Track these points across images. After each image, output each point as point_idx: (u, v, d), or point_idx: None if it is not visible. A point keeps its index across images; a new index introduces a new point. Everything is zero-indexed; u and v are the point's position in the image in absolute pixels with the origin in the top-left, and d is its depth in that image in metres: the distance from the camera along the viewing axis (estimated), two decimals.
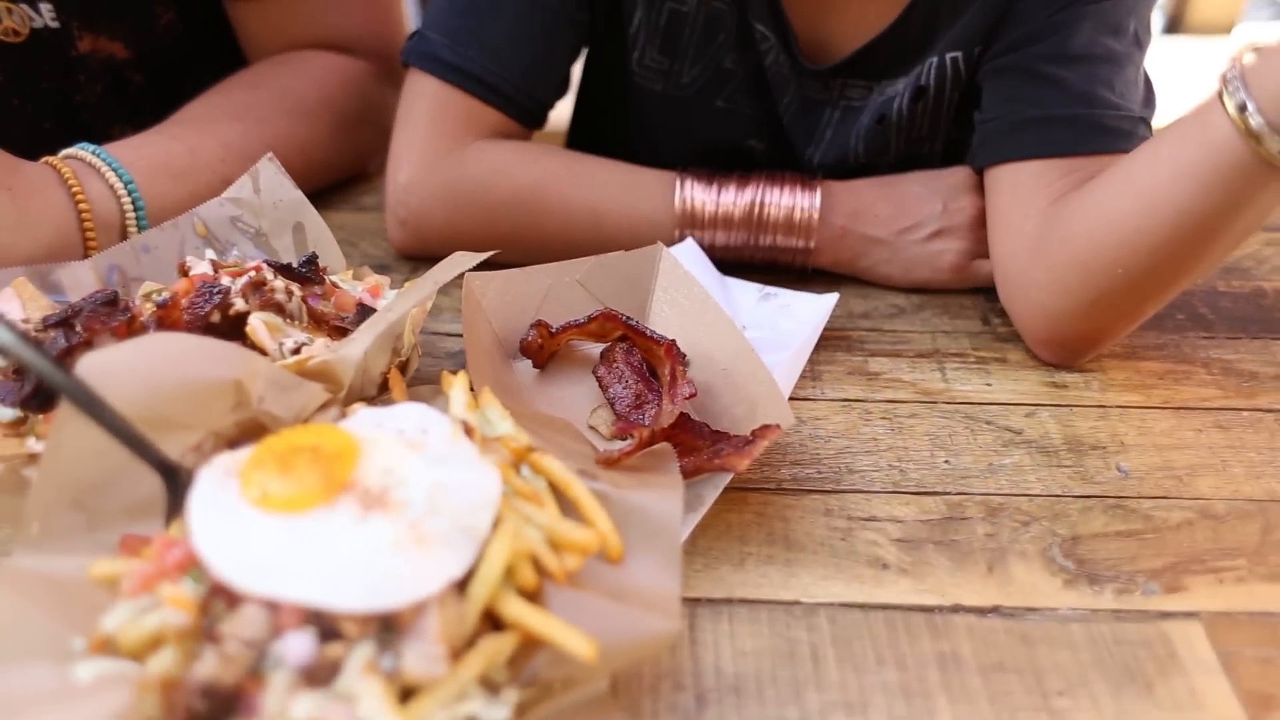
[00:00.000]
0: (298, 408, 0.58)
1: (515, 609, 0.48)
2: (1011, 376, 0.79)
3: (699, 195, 0.88)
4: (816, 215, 0.87)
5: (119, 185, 0.79)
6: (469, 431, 0.55)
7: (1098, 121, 0.80)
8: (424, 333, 0.82)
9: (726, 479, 0.64)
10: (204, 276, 0.65)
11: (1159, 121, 0.76)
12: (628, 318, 0.72)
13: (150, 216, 0.80)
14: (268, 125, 0.93)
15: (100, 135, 0.83)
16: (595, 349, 0.75)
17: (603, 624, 0.48)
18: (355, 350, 0.61)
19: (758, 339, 0.73)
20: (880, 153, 0.95)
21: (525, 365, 0.74)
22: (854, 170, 0.93)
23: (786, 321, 0.82)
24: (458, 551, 0.47)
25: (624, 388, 0.71)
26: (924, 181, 0.90)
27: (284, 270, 0.67)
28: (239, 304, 0.64)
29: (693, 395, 0.65)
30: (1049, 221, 0.78)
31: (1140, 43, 0.84)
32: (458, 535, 0.48)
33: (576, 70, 1.00)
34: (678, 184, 0.88)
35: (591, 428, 0.70)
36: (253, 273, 0.66)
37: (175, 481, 0.53)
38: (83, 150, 0.80)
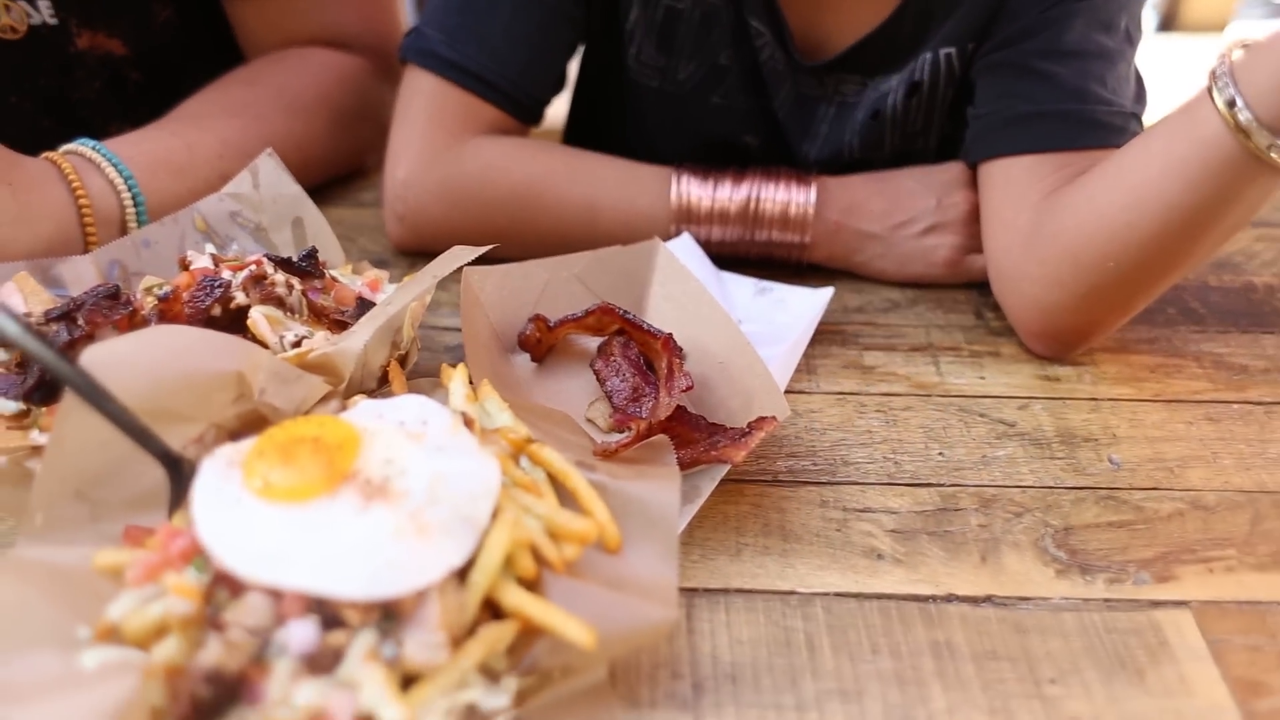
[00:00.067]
0: (299, 400, 0.59)
1: (515, 597, 0.48)
2: (1005, 370, 0.80)
3: (695, 191, 0.88)
4: (812, 210, 0.88)
5: (119, 181, 0.79)
6: (468, 423, 0.55)
7: (1090, 117, 0.81)
8: (422, 327, 0.82)
9: (723, 471, 0.65)
10: (205, 270, 0.66)
11: (1151, 117, 0.76)
12: (625, 312, 0.72)
13: (150, 212, 0.81)
14: (266, 121, 0.93)
15: (98, 132, 0.84)
16: (593, 343, 0.75)
17: (601, 612, 0.48)
18: (355, 343, 0.62)
19: (753, 333, 0.74)
20: (875, 148, 0.96)
21: (523, 359, 0.75)
22: (849, 165, 0.94)
23: (782, 315, 0.83)
24: (458, 540, 0.48)
25: (621, 381, 0.71)
26: (918, 177, 0.91)
27: (284, 264, 0.68)
28: (240, 297, 0.64)
29: (689, 388, 0.66)
30: (1042, 216, 0.79)
31: (1131, 39, 0.85)
32: (458, 525, 0.48)
33: (573, 67, 1.01)
34: (674, 179, 0.89)
35: (589, 420, 0.71)
36: (253, 267, 0.66)
37: (178, 472, 0.53)
38: (83, 146, 0.80)
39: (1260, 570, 0.61)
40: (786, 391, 0.76)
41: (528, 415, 0.61)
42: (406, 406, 0.55)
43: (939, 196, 0.89)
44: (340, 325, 0.67)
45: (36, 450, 0.58)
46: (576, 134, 1.16)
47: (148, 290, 0.67)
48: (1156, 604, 0.59)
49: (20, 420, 0.61)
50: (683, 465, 0.61)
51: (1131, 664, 0.55)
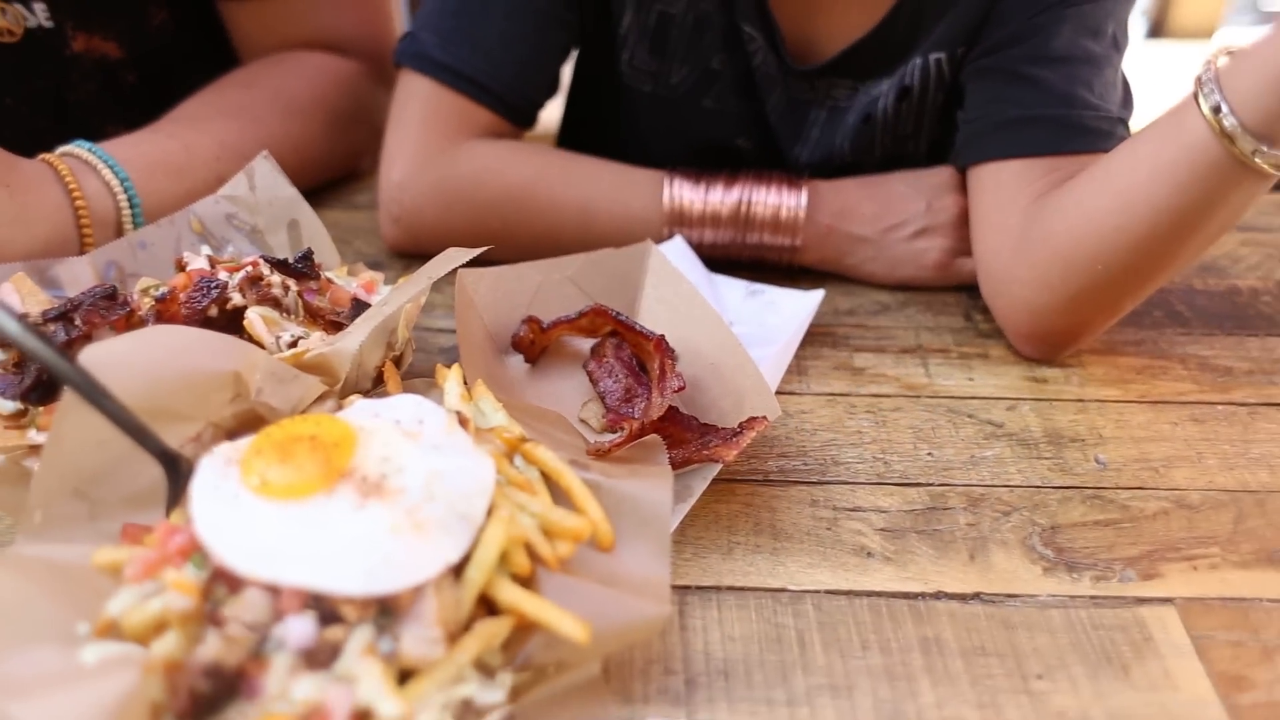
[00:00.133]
0: (295, 399, 0.59)
1: (510, 594, 0.49)
2: (993, 371, 0.81)
3: (687, 194, 0.89)
4: (803, 214, 0.89)
5: (115, 182, 0.80)
6: (463, 422, 0.56)
7: (1078, 121, 0.82)
8: (417, 328, 0.83)
9: (715, 470, 0.65)
10: (201, 271, 0.66)
11: (1141, 122, 0.77)
12: (618, 313, 0.73)
13: (146, 214, 0.81)
14: (262, 124, 0.94)
15: (94, 134, 0.84)
16: (586, 344, 0.76)
17: (595, 608, 0.49)
18: (351, 344, 0.62)
19: (745, 334, 0.75)
20: (866, 152, 0.97)
21: (517, 360, 0.76)
22: (840, 169, 0.95)
23: (773, 317, 0.84)
24: (454, 537, 0.48)
25: (614, 381, 0.72)
26: (908, 181, 0.92)
27: (280, 265, 0.68)
28: (236, 298, 0.65)
29: (681, 389, 0.66)
30: (1030, 219, 0.80)
31: (1118, 45, 0.86)
32: (454, 521, 0.49)
33: (567, 71, 1.01)
34: (666, 183, 0.90)
35: (582, 421, 0.71)
36: (250, 268, 0.67)
37: (176, 471, 0.54)
38: (79, 148, 0.81)
39: (1243, 567, 0.62)
40: (777, 392, 0.76)
41: (522, 415, 0.61)
42: (402, 406, 0.56)
43: (929, 200, 0.90)
44: (336, 326, 0.68)
45: (34, 449, 0.59)
46: (570, 137, 1.17)
47: (144, 291, 0.67)
48: (1142, 601, 0.60)
49: (18, 420, 0.61)
50: (675, 465, 0.62)
51: (1117, 659, 0.56)
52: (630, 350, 0.73)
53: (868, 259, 0.91)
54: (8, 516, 0.63)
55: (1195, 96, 0.66)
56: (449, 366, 0.62)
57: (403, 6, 1.94)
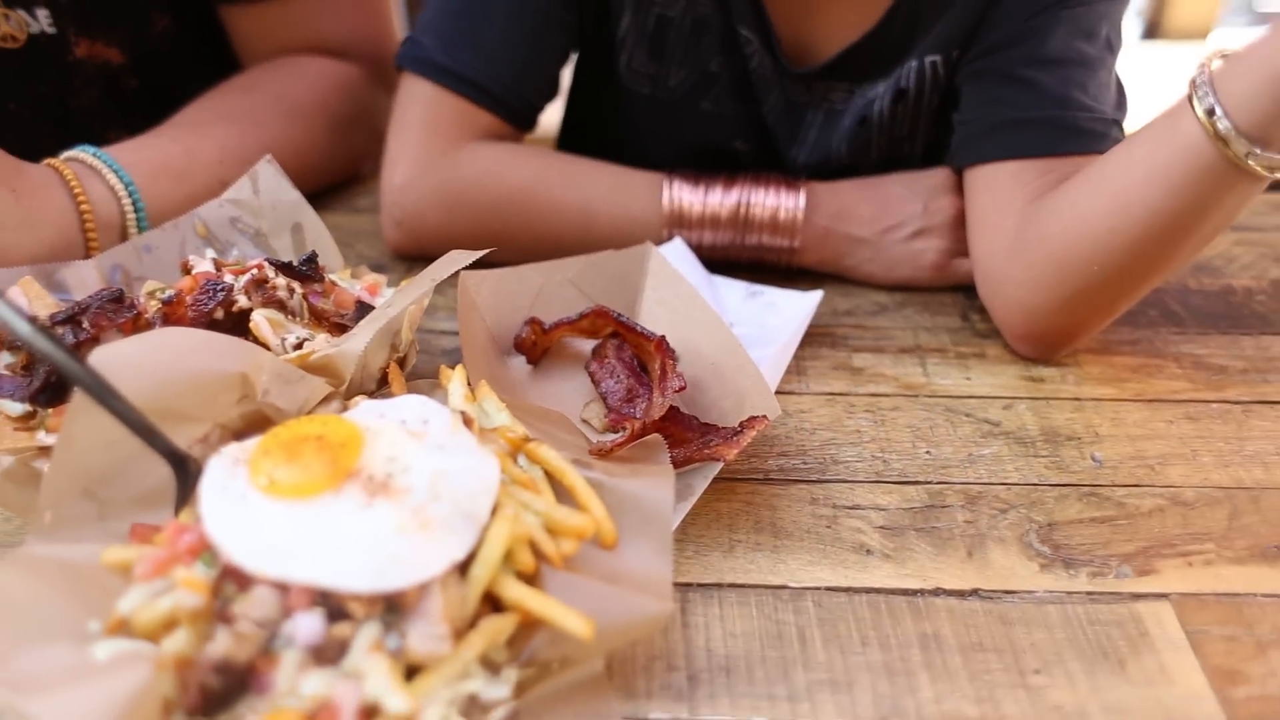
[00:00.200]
0: (301, 400, 0.60)
1: (515, 591, 0.50)
2: (990, 371, 0.82)
3: (686, 196, 0.90)
4: (801, 215, 0.89)
5: (119, 187, 0.81)
6: (468, 422, 0.57)
7: (1072, 123, 0.83)
8: (420, 330, 0.84)
9: (716, 469, 0.66)
10: (207, 274, 0.67)
11: (1137, 123, 0.78)
12: (619, 314, 0.74)
13: (150, 217, 0.82)
14: (264, 128, 0.94)
15: (96, 139, 0.85)
16: (587, 345, 0.77)
17: (598, 605, 0.50)
18: (356, 345, 0.63)
19: (745, 335, 0.75)
20: (862, 153, 0.98)
21: (519, 361, 0.76)
22: (837, 171, 0.96)
23: (772, 318, 0.85)
24: (459, 535, 0.49)
25: (615, 382, 0.73)
26: (905, 182, 0.93)
27: (285, 268, 0.69)
28: (242, 301, 0.66)
29: (682, 389, 0.67)
30: (1026, 220, 0.80)
31: (1112, 47, 0.87)
32: (459, 520, 0.50)
33: (566, 74, 1.02)
34: (665, 185, 0.90)
35: (584, 421, 0.72)
36: (255, 270, 0.67)
37: (185, 471, 0.54)
38: (83, 152, 0.82)
39: (1237, 563, 0.63)
40: (777, 392, 0.77)
41: (525, 415, 0.62)
42: (407, 406, 0.57)
43: (926, 201, 0.91)
44: (340, 328, 0.69)
45: (43, 451, 0.59)
46: (570, 140, 1.18)
47: (151, 294, 0.68)
48: (1137, 597, 0.61)
49: (27, 422, 0.62)
50: (676, 464, 0.62)
51: (1113, 654, 0.57)
52: (631, 351, 0.74)
53: (865, 260, 0.92)
54: (18, 517, 0.63)
55: (1189, 99, 0.67)
56: (452, 367, 0.63)
57: (401, 11, 1.95)
